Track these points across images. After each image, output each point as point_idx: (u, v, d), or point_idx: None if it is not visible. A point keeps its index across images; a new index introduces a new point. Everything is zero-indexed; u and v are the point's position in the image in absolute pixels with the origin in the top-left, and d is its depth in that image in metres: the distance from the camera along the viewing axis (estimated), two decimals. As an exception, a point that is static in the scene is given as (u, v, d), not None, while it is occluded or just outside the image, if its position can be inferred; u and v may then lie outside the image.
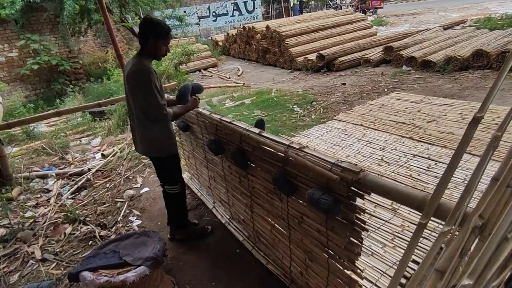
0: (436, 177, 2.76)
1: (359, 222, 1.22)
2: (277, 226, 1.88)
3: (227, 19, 17.63)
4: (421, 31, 9.48)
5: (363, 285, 1.70)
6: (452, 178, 2.48)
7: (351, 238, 1.27)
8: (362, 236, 1.26)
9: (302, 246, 1.65)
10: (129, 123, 2.33)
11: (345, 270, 1.38)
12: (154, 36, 1.99)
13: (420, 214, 0.92)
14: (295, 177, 1.50)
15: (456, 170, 2.60)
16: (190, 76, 7.86)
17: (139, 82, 1.97)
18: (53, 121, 6.54)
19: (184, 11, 14.08)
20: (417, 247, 1.97)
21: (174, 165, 2.36)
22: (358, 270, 1.34)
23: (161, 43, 2.02)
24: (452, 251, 0.77)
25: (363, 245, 1.32)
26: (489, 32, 8.02)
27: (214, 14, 17.16)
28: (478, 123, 0.78)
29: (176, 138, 2.40)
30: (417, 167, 2.98)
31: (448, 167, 0.84)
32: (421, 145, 3.39)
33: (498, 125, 0.78)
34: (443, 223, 0.85)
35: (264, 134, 1.71)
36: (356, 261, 1.32)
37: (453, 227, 0.81)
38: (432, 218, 0.92)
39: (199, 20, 15.95)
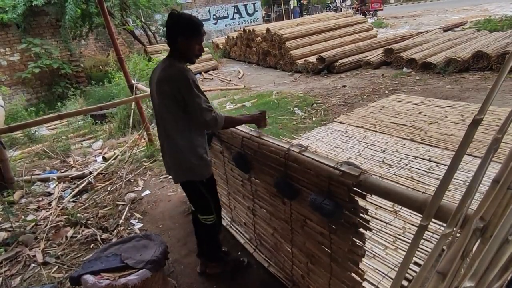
0: (437, 179, 2.76)
1: (363, 222, 1.22)
2: (279, 229, 1.88)
3: (228, 22, 17.71)
4: (421, 33, 9.50)
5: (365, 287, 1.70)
6: (453, 180, 2.48)
7: (354, 240, 1.27)
8: (365, 237, 1.26)
9: (305, 249, 1.65)
10: (159, 143, 1.95)
11: (348, 273, 1.38)
12: (184, 35, 1.66)
13: (421, 216, 0.92)
14: (297, 181, 1.51)
15: (457, 171, 2.60)
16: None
17: (175, 86, 1.63)
18: (54, 125, 6.56)
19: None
20: (419, 249, 1.97)
21: (209, 191, 1.95)
22: (361, 272, 1.33)
23: (193, 42, 1.69)
24: (454, 253, 0.78)
25: (365, 247, 1.32)
26: (489, 33, 8.04)
27: (214, 17, 17.24)
28: (478, 125, 0.79)
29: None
30: (418, 169, 2.98)
31: (448, 169, 0.84)
32: (422, 147, 3.39)
33: (499, 127, 0.78)
34: (444, 225, 0.85)
35: (265, 137, 1.72)
36: (359, 264, 1.32)
37: (455, 229, 0.81)
38: (433, 220, 0.92)
39: (200, 23, 16.00)
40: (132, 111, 4.50)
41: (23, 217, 3.21)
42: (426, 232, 2.11)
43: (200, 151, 1.81)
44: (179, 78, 1.62)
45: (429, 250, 1.48)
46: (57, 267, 2.50)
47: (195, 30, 1.67)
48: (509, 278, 0.67)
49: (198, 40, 1.71)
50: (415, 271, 1.83)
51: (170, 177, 3.77)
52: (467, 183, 0.81)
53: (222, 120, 1.69)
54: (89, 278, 1.66)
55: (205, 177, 1.87)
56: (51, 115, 4.24)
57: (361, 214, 1.24)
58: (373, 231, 2.23)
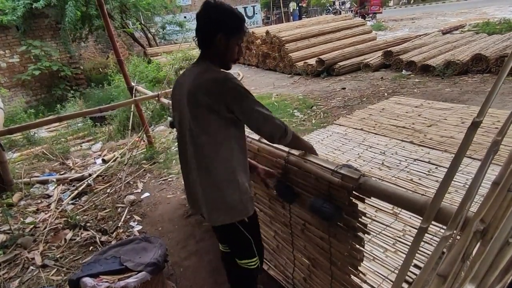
0: (437, 181, 2.76)
1: (361, 226, 1.22)
2: (280, 233, 1.88)
3: (227, 25, 17.72)
4: (420, 35, 9.54)
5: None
6: (453, 182, 2.47)
7: (353, 243, 1.27)
8: (364, 240, 1.26)
9: (305, 253, 1.65)
10: (182, 171, 1.54)
11: (348, 276, 1.38)
12: (225, 31, 1.30)
13: (422, 218, 0.92)
14: (297, 184, 1.51)
15: (457, 174, 2.58)
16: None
17: (220, 96, 1.25)
18: (54, 127, 6.57)
19: (185, 17, 14.22)
20: (419, 252, 1.97)
21: (253, 230, 1.51)
22: (361, 275, 1.33)
23: (234, 42, 1.35)
24: (454, 255, 0.77)
25: (364, 250, 1.32)
26: (488, 36, 8.07)
27: (214, 19, 17.26)
28: (477, 127, 0.79)
29: None
30: (418, 171, 2.98)
31: (448, 171, 0.84)
32: (422, 149, 3.39)
33: (498, 129, 0.78)
34: (444, 227, 0.85)
35: (264, 140, 1.72)
36: (359, 267, 1.32)
37: (455, 232, 0.81)
38: (434, 223, 0.92)
39: (199, 26, 16.03)
40: (132, 113, 4.50)
41: (22, 219, 3.20)
42: (426, 234, 2.11)
43: (244, 181, 1.41)
44: (225, 85, 1.24)
45: (429, 253, 1.47)
46: (56, 269, 2.49)
47: (238, 26, 1.33)
48: (510, 280, 0.67)
49: (239, 40, 1.37)
50: (415, 274, 1.82)
51: (169, 179, 3.81)
52: (467, 186, 0.81)
53: (290, 133, 1.31)
54: (88, 280, 1.66)
55: (249, 215, 1.45)
56: (50, 117, 4.25)
57: (359, 219, 1.24)
58: (373, 233, 2.23)
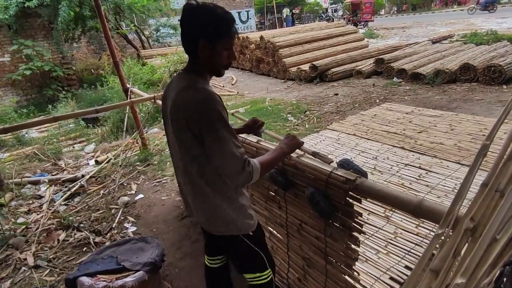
0: (427, 185, 2.84)
1: (357, 226, 1.27)
2: (275, 233, 1.91)
3: (221, 29, 17.77)
4: (410, 44, 9.76)
5: (358, 290, 1.74)
6: (442, 186, 2.55)
7: (349, 243, 1.32)
8: (359, 240, 1.31)
9: (301, 253, 1.68)
10: (176, 180, 1.46)
11: (343, 275, 1.42)
12: (209, 36, 1.14)
13: (415, 218, 0.97)
14: (292, 175, 1.53)
15: (446, 179, 2.67)
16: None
17: (194, 119, 1.14)
18: (45, 127, 6.48)
19: (179, 20, 14.21)
20: (411, 254, 2.04)
21: (259, 242, 1.44)
22: (355, 274, 1.38)
23: (222, 46, 1.18)
24: (446, 252, 0.82)
25: (358, 251, 1.37)
26: (475, 46, 8.33)
27: (208, 23, 17.30)
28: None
29: None
30: (409, 176, 3.06)
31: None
32: (412, 155, 3.48)
33: (487, 135, 0.84)
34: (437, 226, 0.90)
35: (262, 142, 1.76)
36: (353, 266, 1.36)
37: (446, 230, 0.86)
38: (425, 226, 0.97)
39: (194, 29, 16.05)
40: (126, 115, 4.49)
41: (13, 220, 3.16)
42: (417, 237, 2.17)
43: (240, 201, 1.31)
44: (200, 108, 1.12)
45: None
46: (49, 270, 2.47)
47: (224, 28, 1.16)
48: (497, 273, 0.72)
49: (227, 44, 1.19)
50: (406, 275, 1.88)
51: (163, 181, 3.81)
52: (456, 190, 0.87)
53: (257, 171, 1.17)
54: (86, 280, 1.66)
55: (253, 229, 1.37)
56: (43, 117, 4.22)
57: (355, 219, 1.29)
58: (366, 235, 2.28)
